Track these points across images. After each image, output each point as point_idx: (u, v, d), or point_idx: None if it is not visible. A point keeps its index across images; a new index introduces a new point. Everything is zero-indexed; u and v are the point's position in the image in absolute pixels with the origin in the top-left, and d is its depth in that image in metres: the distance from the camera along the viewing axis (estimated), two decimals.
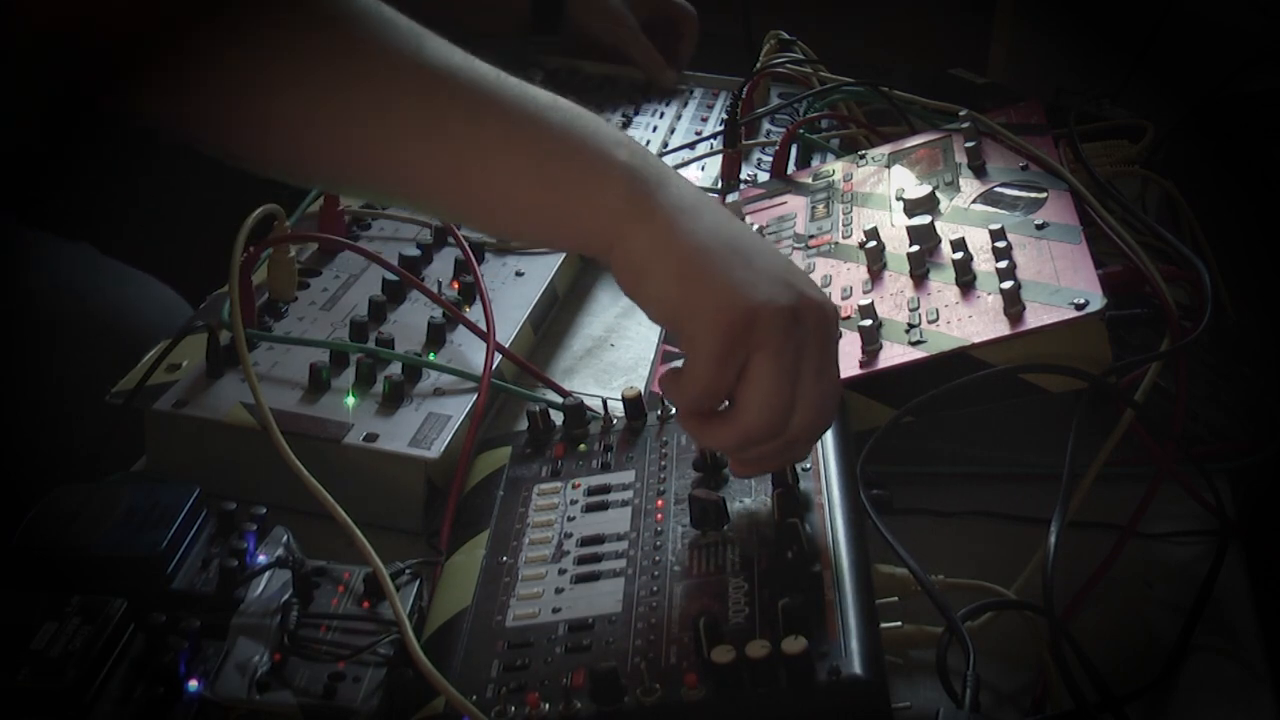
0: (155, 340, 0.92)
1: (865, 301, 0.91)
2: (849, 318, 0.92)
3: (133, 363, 0.90)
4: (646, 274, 0.71)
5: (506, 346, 0.96)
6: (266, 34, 0.71)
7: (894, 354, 0.87)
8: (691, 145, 1.27)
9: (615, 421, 0.86)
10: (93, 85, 0.72)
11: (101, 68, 0.71)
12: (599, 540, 0.75)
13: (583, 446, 0.84)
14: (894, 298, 0.93)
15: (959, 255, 0.92)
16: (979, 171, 1.05)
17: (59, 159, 1.20)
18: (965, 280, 0.91)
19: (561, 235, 0.78)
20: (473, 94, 0.72)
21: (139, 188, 1.24)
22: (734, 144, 1.21)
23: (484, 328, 0.94)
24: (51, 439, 0.98)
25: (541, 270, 1.06)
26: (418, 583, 0.75)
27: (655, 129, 1.32)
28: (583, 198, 0.72)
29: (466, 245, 1.01)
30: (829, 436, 0.79)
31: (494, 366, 0.91)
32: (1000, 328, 0.85)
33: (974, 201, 1.01)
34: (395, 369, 0.90)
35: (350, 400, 0.88)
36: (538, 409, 0.87)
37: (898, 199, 1.03)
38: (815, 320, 0.70)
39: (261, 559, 0.74)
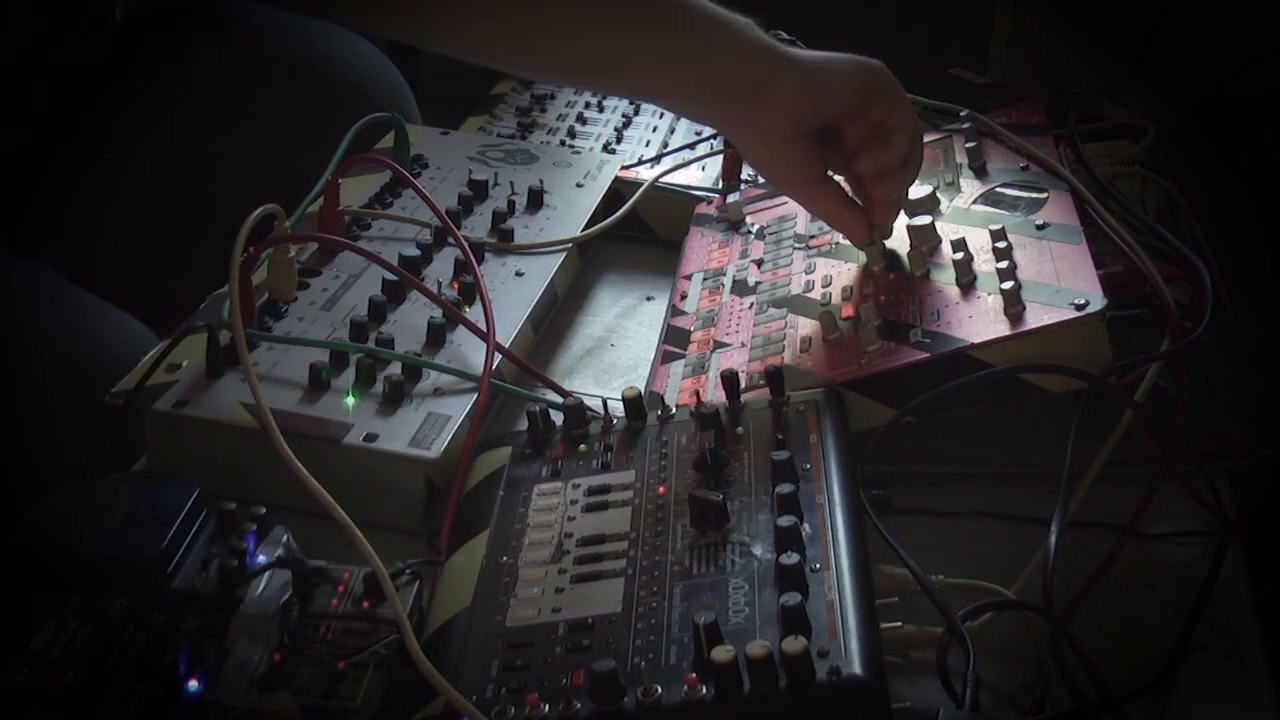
0: (121, 364, 0.92)
1: (866, 302, 0.91)
2: (849, 318, 0.92)
3: (102, 383, 0.90)
4: (826, 86, 0.91)
5: (506, 346, 0.96)
6: None
7: (895, 354, 0.87)
8: (692, 145, 1.27)
9: (615, 421, 0.86)
10: None
11: None
12: (599, 540, 0.75)
13: (583, 446, 0.84)
14: (895, 298, 0.93)
15: (959, 255, 0.92)
16: (979, 172, 1.05)
17: (35, 179, 1.20)
18: (966, 280, 0.91)
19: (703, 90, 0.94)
20: None
21: (127, 202, 1.24)
22: None
23: (484, 328, 0.94)
24: (51, 440, 0.98)
25: (541, 270, 1.06)
26: (418, 583, 0.74)
27: (655, 129, 1.32)
28: (731, 57, 0.90)
29: (466, 245, 1.01)
30: (829, 436, 0.79)
31: (494, 366, 0.91)
32: (1000, 328, 0.85)
33: (974, 202, 1.01)
34: (395, 369, 0.90)
35: (350, 400, 0.88)
36: (538, 409, 0.87)
37: None
38: None
39: (261, 559, 0.74)
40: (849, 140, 0.94)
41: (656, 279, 1.15)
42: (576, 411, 0.86)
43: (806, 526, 0.72)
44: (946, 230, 0.97)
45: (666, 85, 0.94)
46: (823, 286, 0.98)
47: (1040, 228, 0.94)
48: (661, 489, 0.78)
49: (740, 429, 0.82)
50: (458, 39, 0.92)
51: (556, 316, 1.10)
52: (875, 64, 0.93)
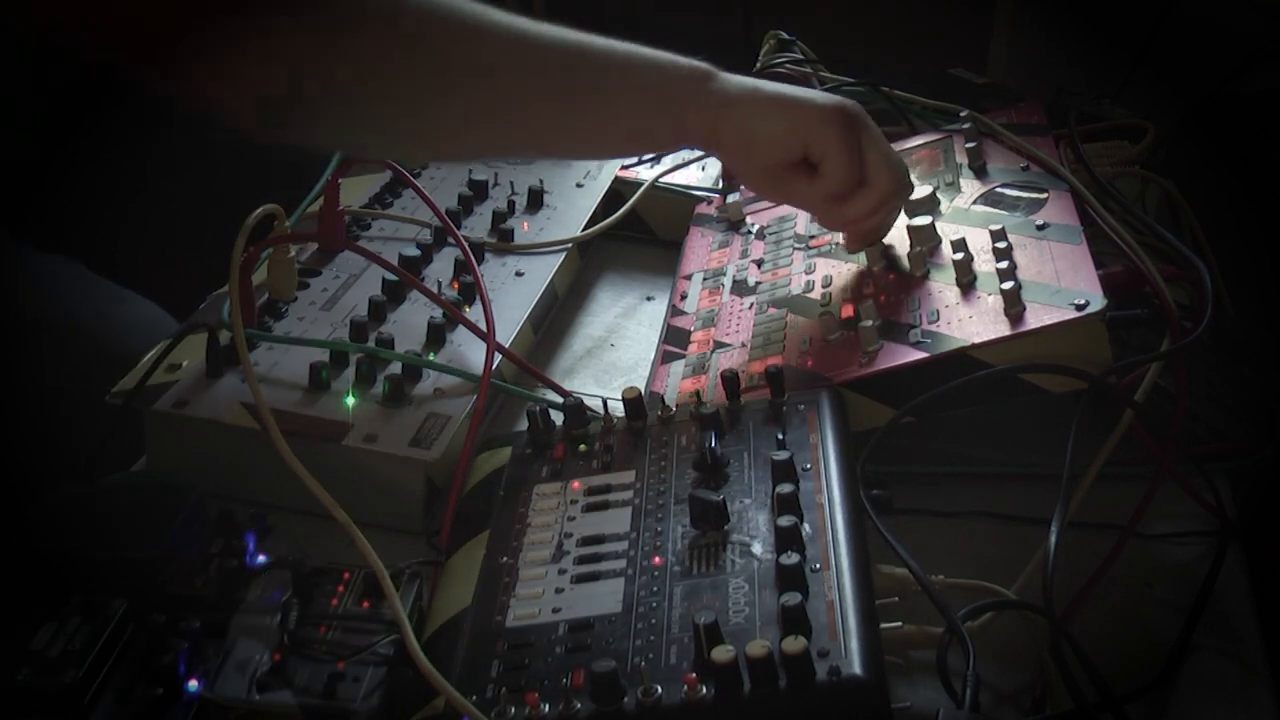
0: (141, 352, 0.92)
1: (866, 302, 0.91)
2: (849, 318, 0.92)
3: (120, 373, 0.90)
4: (754, 131, 0.91)
5: (506, 346, 0.96)
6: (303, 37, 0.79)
7: (895, 354, 0.87)
8: (692, 145, 1.27)
9: (615, 421, 0.86)
10: (121, 65, 0.78)
11: (127, 48, 0.76)
12: (599, 540, 0.75)
13: (583, 446, 0.84)
14: (895, 298, 0.93)
15: (960, 255, 0.92)
16: (980, 172, 1.05)
17: (48, 172, 1.20)
18: (966, 281, 0.91)
19: (670, 144, 1.04)
20: (560, 53, 0.88)
21: (126, 204, 1.24)
22: None
23: (484, 328, 0.94)
24: (51, 440, 0.98)
25: (541, 270, 1.07)
26: (418, 583, 0.75)
27: None
28: (675, 112, 0.91)
29: (466, 245, 1.01)
30: (829, 436, 0.79)
31: (494, 366, 0.91)
32: (1001, 328, 0.85)
33: (975, 202, 1.01)
34: (395, 369, 0.90)
35: (350, 400, 0.88)
36: (538, 409, 0.87)
37: None
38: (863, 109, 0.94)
39: (261, 559, 0.74)
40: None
41: (656, 279, 1.15)
42: (576, 411, 0.86)
43: (806, 526, 0.72)
44: (946, 230, 0.97)
45: (626, 147, 1.03)
46: (823, 286, 0.98)
47: (1040, 228, 0.94)
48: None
49: (740, 429, 0.82)
50: (422, 148, 0.96)
51: (556, 316, 1.10)
52: (820, 111, 0.91)
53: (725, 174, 1.22)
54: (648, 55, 0.91)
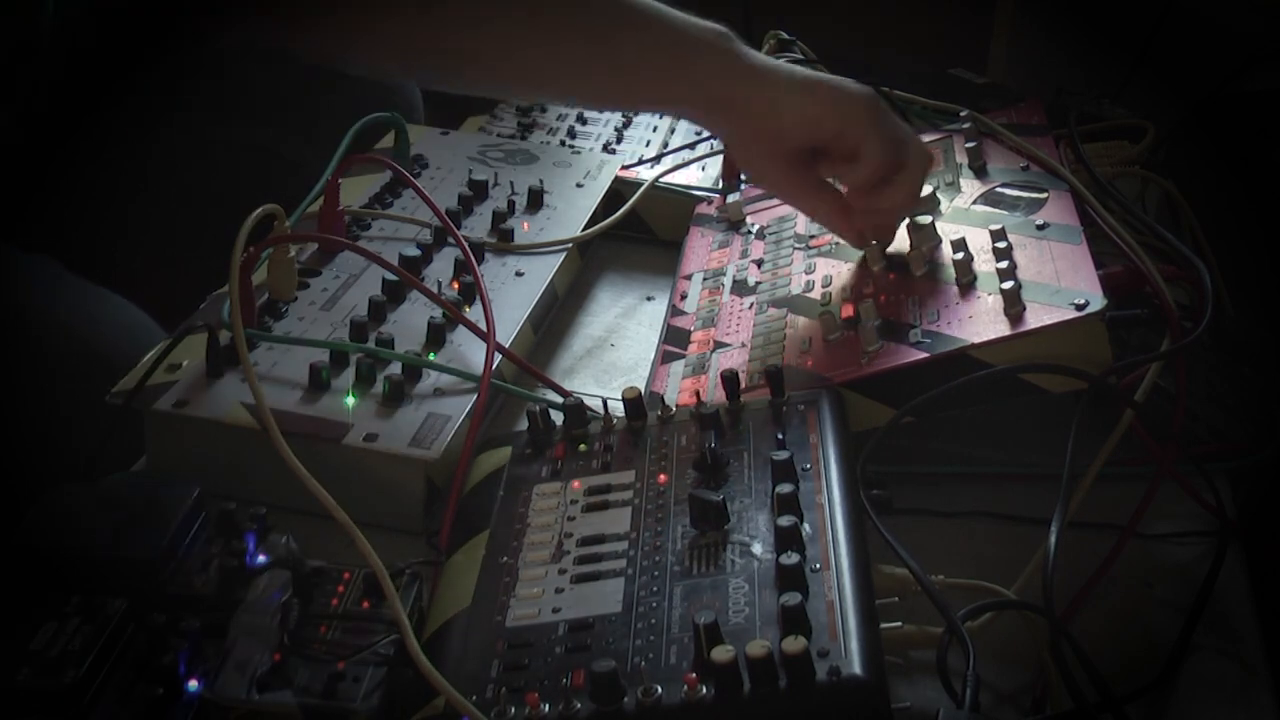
0: (125, 355, 0.92)
1: (866, 302, 0.91)
2: (849, 318, 0.92)
3: (108, 374, 0.90)
4: (782, 107, 0.90)
5: (507, 346, 0.95)
6: None
7: (895, 354, 0.87)
8: (692, 145, 1.27)
9: (615, 421, 0.86)
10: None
11: None
12: (599, 540, 0.75)
13: (583, 446, 0.84)
14: (895, 298, 0.93)
15: (959, 255, 0.92)
16: (980, 172, 1.05)
17: (45, 173, 1.20)
18: (966, 280, 0.91)
19: (675, 102, 0.97)
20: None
21: (125, 204, 1.24)
22: None
23: (484, 328, 0.94)
24: (51, 440, 0.98)
25: (541, 270, 1.06)
26: (418, 583, 0.75)
27: (655, 129, 1.32)
28: (689, 69, 0.90)
29: (466, 245, 1.01)
30: (829, 436, 0.79)
31: (494, 366, 0.91)
32: (1000, 328, 0.85)
33: (975, 202, 1.01)
34: (395, 369, 0.90)
35: (350, 400, 0.88)
36: (538, 409, 0.87)
37: None
38: None
39: (261, 559, 0.74)
40: (829, 155, 0.94)
41: (656, 279, 1.15)
42: (576, 411, 0.86)
43: (806, 526, 0.72)
44: (946, 230, 0.97)
45: (640, 100, 1.00)
46: (823, 286, 0.98)
47: (1040, 228, 0.94)
48: (663, 477, 0.78)
49: (740, 429, 0.82)
50: (435, 59, 0.93)
51: (556, 316, 1.10)
52: (851, 94, 0.91)
53: (725, 174, 1.22)
54: (665, 10, 0.89)
